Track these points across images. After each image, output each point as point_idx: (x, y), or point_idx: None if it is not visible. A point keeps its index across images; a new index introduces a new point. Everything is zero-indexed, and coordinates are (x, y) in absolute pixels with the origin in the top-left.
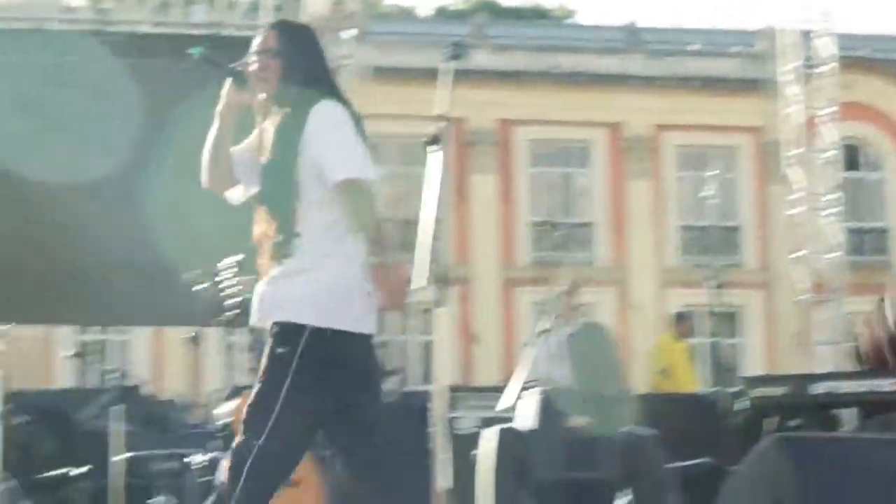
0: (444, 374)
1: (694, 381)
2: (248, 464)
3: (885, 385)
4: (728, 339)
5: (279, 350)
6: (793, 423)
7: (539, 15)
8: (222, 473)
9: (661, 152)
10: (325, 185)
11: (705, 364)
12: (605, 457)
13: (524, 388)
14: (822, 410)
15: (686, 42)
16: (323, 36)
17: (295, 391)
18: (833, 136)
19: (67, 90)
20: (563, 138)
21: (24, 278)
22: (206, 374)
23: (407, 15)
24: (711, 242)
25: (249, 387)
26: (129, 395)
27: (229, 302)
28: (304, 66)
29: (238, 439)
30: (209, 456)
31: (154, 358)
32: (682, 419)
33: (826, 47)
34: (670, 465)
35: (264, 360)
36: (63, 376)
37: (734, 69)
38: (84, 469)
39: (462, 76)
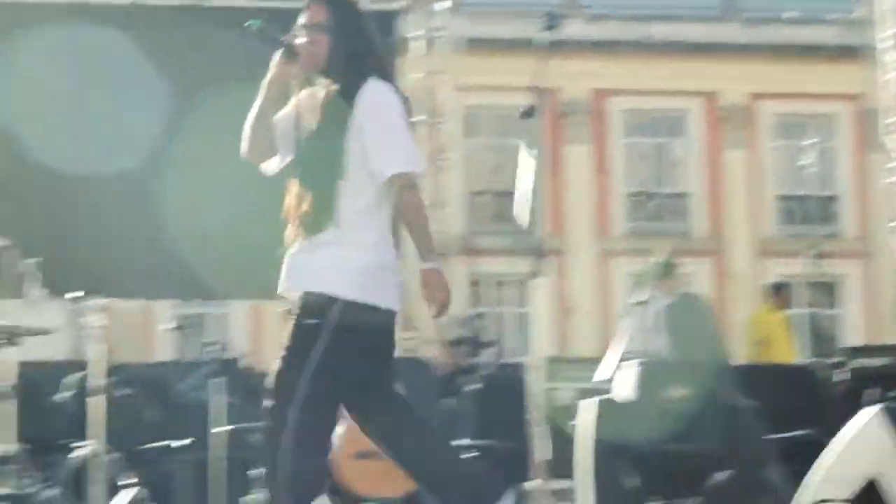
0: (541, 345)
1: (792, 352)
2: (286, 436)
3: None
4: (826, 310)
5: (310, 320)
6: (893, 393)
7: None
8: None
9: (757, 121)
10: (370, 171)
11: (804, 335)
12: (703, 428)
13: (622, 360)
14: None
15: (782, 9)
16: (417, 8)
17: (325, 361)
18: None
19: (144, 66)
20: (658, 108)
21: (124, 253)
22: None
23: None
24: (809, 212)
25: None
26: (228, 367)
27: None
28: (352, 42)
29: (269, 403)
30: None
31: (253, 331)
32: (781, 391)
33: None
34: (769, 437)
35: (292, 329)
36: (163, 349)
37: (832, 36)
38: (185, 441)
39: (556, 46)
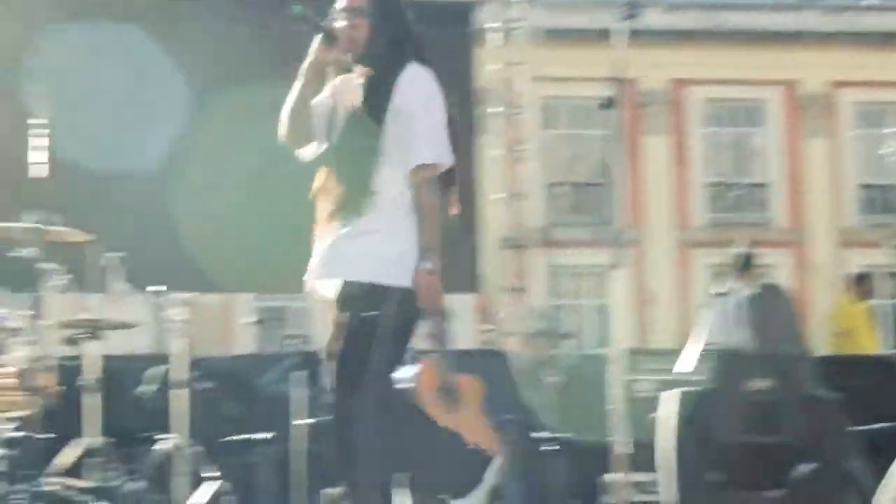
0: (621, 337)
1: (875, 342)
2: (356, 428)
3: None
4: None
5: (359, 310)
6: None
7: None
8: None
9: (837, 110)
10: (407, 154)
11: (886, 325)
12: (786, 420)
13: (702, 351)
14: None
15: None
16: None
17: (385, 348)
18: None
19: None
20: (737, 97)
21: (205, 247)
22: None
23: None
24: (891, 201)
25: (429, 351)
26: (309, 360)
27: None
28: (391, 26)
29: (334, 396)
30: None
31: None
32: (865, 382)
33: None
34: (852, 429)
35: (347, 319)
36: (244, 343)
37: None
38: (267, 435)
39: (634, 36)
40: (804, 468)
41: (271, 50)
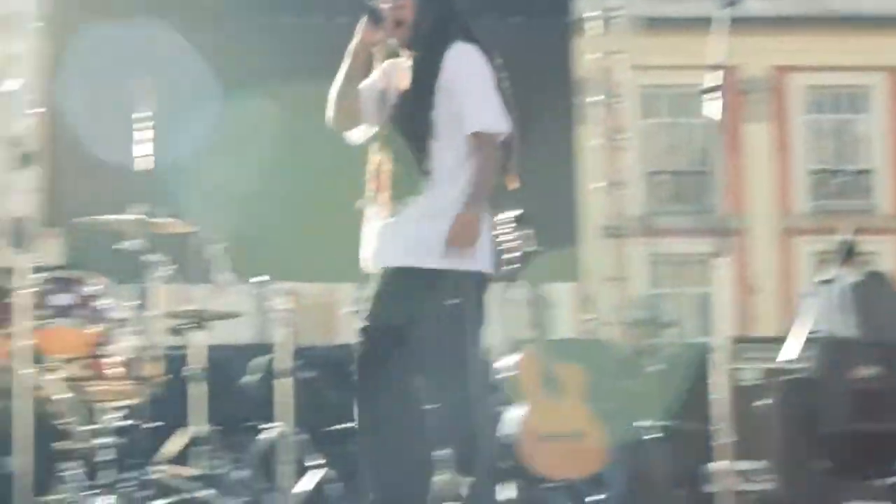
0: (724, 325)
1: None
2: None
3: None
4: None
5: (449, 296)
6: None
7: None
8: (505, 426)
9: None
10: (460, 129)
11: None
12: (892, 408)
13: (806, 339)
14: None
15: None
16: None
17: (473, 334)
18: None
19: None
20: (840, 84)
21: (307, 238)
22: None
23: None
24: None
25: (530, 340)
26: None
27: (508, 256)
28: (436, 6)
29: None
30: (493, 410)
31: None
32: None
33: None
34: None
35: (396, 306)
36: (347, 332)
37: None
38: None
39: (735, 23)
40: None
41: None
